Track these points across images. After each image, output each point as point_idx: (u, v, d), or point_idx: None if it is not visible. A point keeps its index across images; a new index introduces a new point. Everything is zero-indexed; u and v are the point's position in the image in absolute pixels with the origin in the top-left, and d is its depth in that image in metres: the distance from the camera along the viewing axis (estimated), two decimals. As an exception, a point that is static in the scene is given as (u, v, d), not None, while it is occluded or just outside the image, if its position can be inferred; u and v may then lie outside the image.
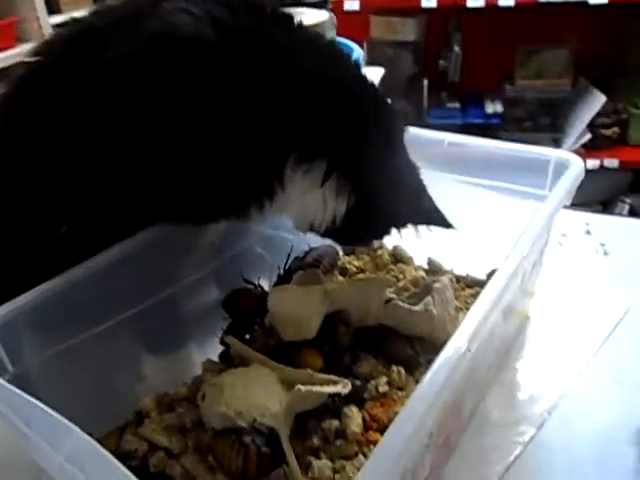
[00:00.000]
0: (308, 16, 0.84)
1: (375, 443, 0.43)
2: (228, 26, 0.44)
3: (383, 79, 0.92)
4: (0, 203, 0.48)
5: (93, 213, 0.47)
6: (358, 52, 0.90)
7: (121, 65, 0.43)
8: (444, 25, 2.07)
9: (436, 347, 0.39)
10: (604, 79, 1.96)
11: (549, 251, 0.63)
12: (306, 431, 0.45)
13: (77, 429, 0.33)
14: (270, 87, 0.44)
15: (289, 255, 0.60)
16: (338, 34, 0.93)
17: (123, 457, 0.43)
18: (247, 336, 0.55)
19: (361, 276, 0.64)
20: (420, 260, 0.66)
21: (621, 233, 0.83)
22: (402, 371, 0.49)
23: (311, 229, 0.51)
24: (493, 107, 2.07)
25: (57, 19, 1.90)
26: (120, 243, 0.48)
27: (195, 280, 0.56)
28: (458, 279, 0.62)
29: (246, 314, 0.56)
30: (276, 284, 0.58)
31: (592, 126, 1.94)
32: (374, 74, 0.89)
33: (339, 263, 0.64)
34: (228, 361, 0.53)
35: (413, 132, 0.55)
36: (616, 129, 1.97)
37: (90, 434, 0.33)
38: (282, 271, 0.59)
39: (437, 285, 0.53)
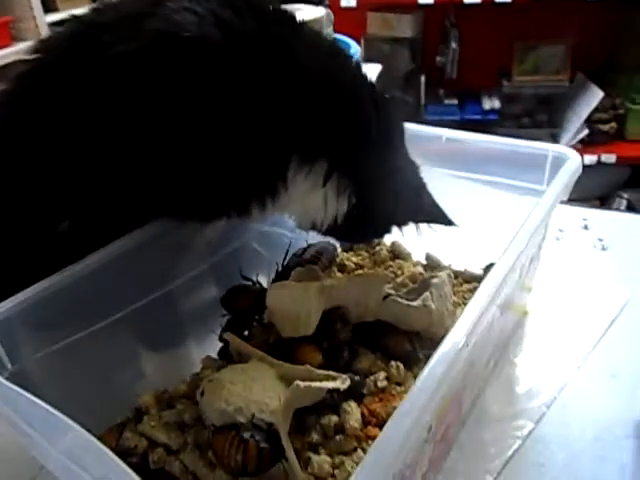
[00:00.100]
0: (305, 12, 0.83)
1: (374, 438, 0.43)
2: (232, 26, 0.44)
3: (380, 75, 0.92)
4: (1, 200, 0.48)
5: (96, 209, 0.47)
6: (355, 49, 0.90)
7: (125, 62, 0.43)
8: (441, 21, 2.06)
9: (434, 342, 0.39)
10: (601, 74, 1.96)
11: (547, 246, 0.63)
12: (305, 427, 0.45)
13: (76, 426, 0.33)
14: (274, 88, 0.44)
15: (287, 251, 0.60)
16: (335, 30, 0.93)
17: (123, 454, 0.43)
18: (246, 333, 0.55)
19: (359, 272, 0.64)
20: (418, 256, 0.66)
21: (619, 228, 0.83)
22: (401, 366, 0.49)
23: (313, 228, 0.51)
24: (490, 103, 2.07)
25: (53, 17, 1.90)
26: (118, 240, 0.48)
27: (193, 277, 0.56)
28: (456, 274, 0.62)
29: (245, 311, 0.56)
30: (274, 280, 0.58)
31: (590, 121, 1.94)
32: (371, 71, 0.89)
33: (337, 259, 0.64)
34: (227, 358, 0.53)
35: (411, 128, 0.55)
36: (614, 124, 1.97)
37: (89, 431, 0.33)
38: (280, 267, 0.59)
39: (435, 281, 0.53)
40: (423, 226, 0.53)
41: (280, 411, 0.42)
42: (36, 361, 0.43)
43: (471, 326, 0.38)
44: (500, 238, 0.49)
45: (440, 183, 0.55)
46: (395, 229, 0.54)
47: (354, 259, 0.66)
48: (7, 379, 0.37)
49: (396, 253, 0.67)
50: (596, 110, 1.91)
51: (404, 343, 0.51)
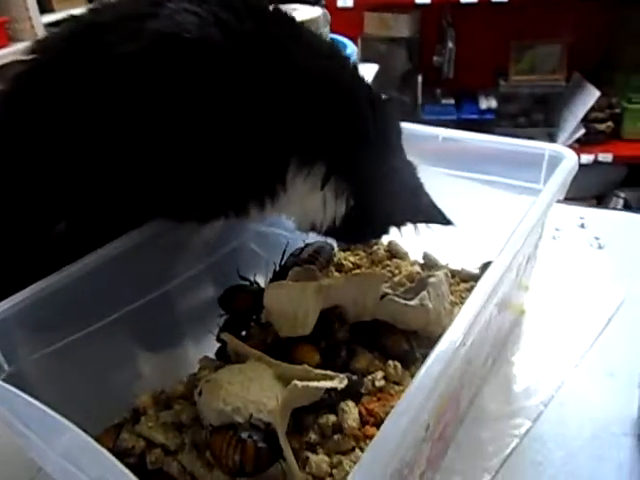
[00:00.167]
0: (301, 12, 0.83)
1: (372, 438, 0.43)
2: (232, 27, 0.44)
3: (377, 75, 0.92)
4: None
5: (94, 209, 0.47)
6: (352, 49, 0.90)
7: (126, 63, 0.43)
8: (438, 21, 2.07)
9: (432, 341, 0.39)
10: (598, 73, 1.97)
11: (544, 245, 0.63)
12: (303, 426, 0.45)
13: (73, 427, 0.33)
14: (273, 89, 0.44)
15: (285, 251, 0.60)
16: (331, 30, 0.92)
17: (120, 455, 0.43)
18: (243, 333, 0.55)
19: (357, 272, 0.64)
20: (415, 255, 0.66)
21: (615, 227, 0.83)
22: (398, 366, 0.49)
23: (312, 229, 0.52)
24: (487, 103, 2.07)
25: (49, 18, 1.89)
26: (115, 241, 0.47)
27: (191, 277, 0.55)
28: (453, 274, 0.62)
29: (242, 311, 0.56)
30: (272, 280, 0.58)
31: (586, 121, 1.95)
32: (368, 71, 0.89)
33: (335, 259, 0.64)
34: (225, 358, 0.53)
35: (408, 128, 0.55)
36: (610, 124, 1.98)
37: (87, 432, 0.33)
38: (278, 267, 0.59)
39: (432, 280, 0.53)
40: (421, 226, 0.53)
41: (278, 411, 0.42)
42: (33, 362, 0.43)
43: (468, 325, 0.38)
44: (497, 237, 0.49)
45: (437, 182, 0.55)
46: (393, 229, 0.54)
47: (351, 259, 0.66)
48: (4, 380, 0.37)
49: (393, 252, 0.67)
50: (592, 109, 1.92)
51: (402, 342, 0.51)
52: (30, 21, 1.83)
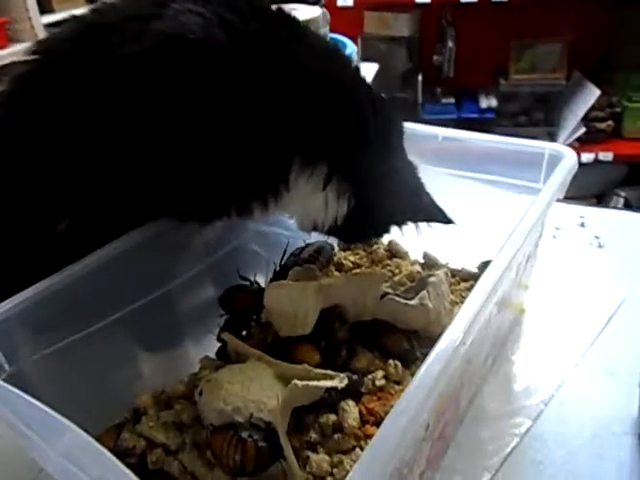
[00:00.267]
0: (301, 12, 0.83)
1: (372, 437, 0.43)
2: (236, 28, 0.44)
3: (377, 75, 0.92)
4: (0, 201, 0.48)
5: (96, 209, 0.47)
6: (352, 48, 0.90)
7: (131, 64, 0.43)
8: (438, 20, 2.07)
9: (432, 341, 0.39)
10: (598, 72, 1.97)
11: (544, 244, 0.63)
12: (303, 426, 0.45)
13: (74, 427, 0.33)
14: (276, 89, 0.45)
15: (285, 251, 0.60)
16: (331, 30, 0.92)
17: (121, 454, 0.43)
18: (244, 332, 0.55)
19: (357, 271, 0.64)
20: (416, 254, 0.66)
21: (615, 226, 0.83)
22: (399, 365, 0.49)
23: (314, 229, 0.52)
24: (487, 102, 2.07)
25: (49, 18, 1.89)
26: (116, 241, 0.48)
27: (191, 277, 0.56)
28: (453, 273, 0.62)
29: (242, 311, 0.56)
30: (272, 280, 0.58)
31: (586, 120, 1.95)
32: (368, 70, 0.89)
33: (335, 258, 0.64)
34: (225, 358, 0.53)
35: (408, 127, 0.55)
36: (610, 122, 1.98)
37: (87, 432, 0.33)
38: (278, 267, 0.59)
39: (432, 279, 0.53)
40: (422, 225, 0.53)
41: (278, 410, 0.42)
42: (34, 362, 0.43)
43: (468, 324, 0.38)
44: (497, 236, 0.49)
45: (437, 182, 0.55)
46: (394, 228, 0.54)
47: (352, 258, 0.66)
48: (5, 380, 0.37)
49: (393, 252, 0.67)
50: (593, 108, 1.92)
51: (402, 342, 0.51)
52: (30, 22, 1.82)
